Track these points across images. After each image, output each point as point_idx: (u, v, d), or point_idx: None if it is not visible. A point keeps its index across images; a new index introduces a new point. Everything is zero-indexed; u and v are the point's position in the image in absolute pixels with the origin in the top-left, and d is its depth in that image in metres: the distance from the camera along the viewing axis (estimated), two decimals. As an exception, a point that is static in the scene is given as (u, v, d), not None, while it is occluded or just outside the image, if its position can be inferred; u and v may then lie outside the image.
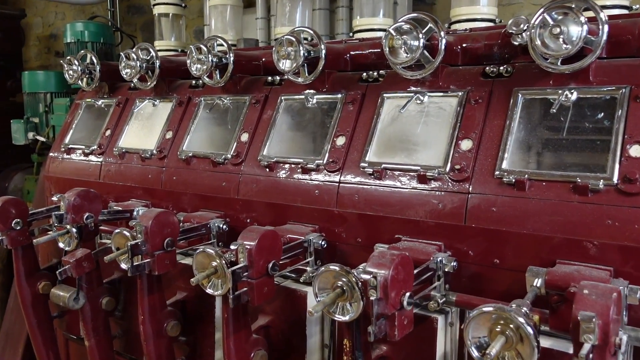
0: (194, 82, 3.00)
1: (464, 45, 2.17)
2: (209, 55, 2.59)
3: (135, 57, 2.92)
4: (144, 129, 3.05)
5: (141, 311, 2.37)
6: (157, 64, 2.93)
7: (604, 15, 1.73)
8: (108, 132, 3.21)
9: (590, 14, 1.77)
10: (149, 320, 2.39)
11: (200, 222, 2.46)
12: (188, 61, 2.67)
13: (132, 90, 3.28)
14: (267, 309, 2.27)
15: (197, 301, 2.53)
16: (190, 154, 2.74)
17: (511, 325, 1.38)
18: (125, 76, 2.98)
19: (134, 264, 2.15)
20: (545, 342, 1.62)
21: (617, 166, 1.67)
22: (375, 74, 2.35)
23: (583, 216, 1.69)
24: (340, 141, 2.27)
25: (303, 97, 2.44)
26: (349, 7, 3.15)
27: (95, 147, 3.20)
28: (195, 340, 2.59)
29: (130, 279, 2.59)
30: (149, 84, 2.99)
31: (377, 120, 2.22)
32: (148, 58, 2.95)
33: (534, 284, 1.61)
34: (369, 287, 1.52)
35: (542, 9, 1.79)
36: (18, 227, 2.68)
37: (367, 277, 1.52)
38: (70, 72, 3.24)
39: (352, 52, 2.47)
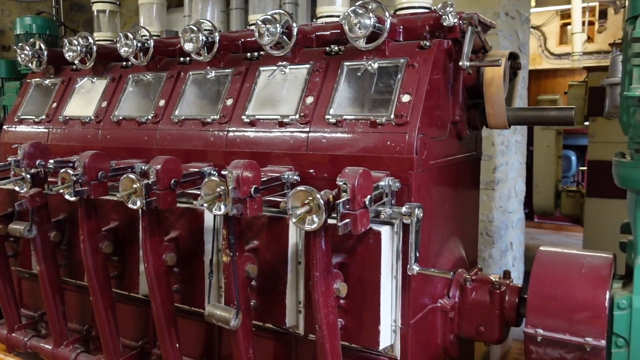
0: (124, 63, 3.79)
1: (316, 33, 3.07)
2: (134, 41, 3.40)
3: (76, 43, 3.69)
4: (84, 100, 3.81)
5: (81, 232, 3.12)
6: (95, 48, 3.71)
7: (388, 12, 2.67)
8: (54, 105, 3.95)
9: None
10: (87, 240, 3.15)
11: (127, 165, 3.26)
12: (118, 45, 3.46)
13: (74, 71, 4.03)
14: (176, 225, 3.09)
15: (126, 229, 3.31)
16: (120, 117, 3.53)
17: (314, 200, 2.26)
18: (68, 58, 3.74)
19: (75, 189, 2.92)
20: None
21: (394, 108, 2.60)
22: (256, 54, 3.22)
23: (375, 141, 2.60)
24: (229, 102, 3.13)
25: (204, 72, 3.29)
26: (244, 9, 4.03)
27: (44, 116, 3.94)
28: (125, 259, 3.35)
29: (73, 220, 3.35)
30: (87, 65, 3.76)
31: (255, 86, 3.09)
32: (87, 44, 3.72)
33: (339, 183, 2.51)
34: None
35: (350, 9, 2.69)
36: (-20, 176, 3.40)
37: (219, 178, 2.38)
38: (22, 55, 3.96)
39: (242, 40, 3.33)
